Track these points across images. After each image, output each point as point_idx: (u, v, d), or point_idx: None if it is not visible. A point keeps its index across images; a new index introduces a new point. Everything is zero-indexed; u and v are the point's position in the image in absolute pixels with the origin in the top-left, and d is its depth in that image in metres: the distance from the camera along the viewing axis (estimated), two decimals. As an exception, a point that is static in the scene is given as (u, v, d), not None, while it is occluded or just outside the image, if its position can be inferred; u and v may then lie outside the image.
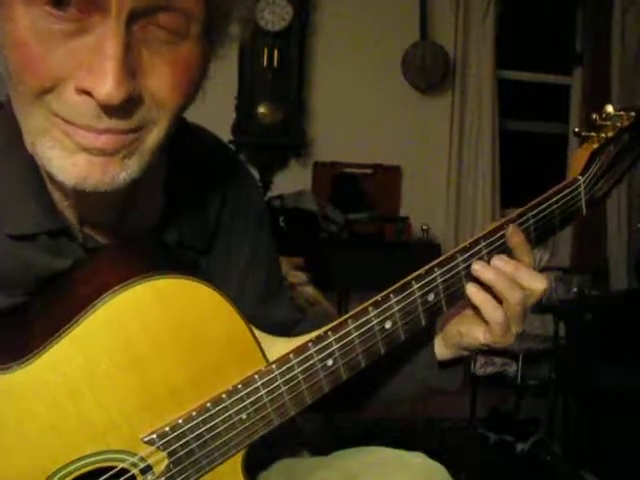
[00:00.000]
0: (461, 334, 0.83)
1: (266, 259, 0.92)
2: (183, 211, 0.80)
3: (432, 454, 0.83)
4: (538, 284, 0.79)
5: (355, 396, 0.92)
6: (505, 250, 0.80)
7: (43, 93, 0.58)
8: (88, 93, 0.57)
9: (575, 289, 3.24)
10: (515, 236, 0.80)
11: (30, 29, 0.56)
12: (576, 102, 4.47)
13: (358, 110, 4.14)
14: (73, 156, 0.60)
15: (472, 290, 0.80)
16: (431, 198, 4.26)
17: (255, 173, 3.97)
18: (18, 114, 0.63)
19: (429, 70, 4.14)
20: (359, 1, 4.14)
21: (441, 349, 0.87)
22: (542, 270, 3.25)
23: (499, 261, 0.79)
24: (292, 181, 4.08)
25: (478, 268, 0.79)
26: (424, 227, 3.99)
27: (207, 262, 0.85)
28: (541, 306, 3.24)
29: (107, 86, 0.55)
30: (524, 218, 0.81)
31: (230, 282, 0.87)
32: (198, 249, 0.83)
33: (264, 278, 0.91)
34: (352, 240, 3.87)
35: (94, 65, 0.56)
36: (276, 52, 3.69)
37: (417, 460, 0.82)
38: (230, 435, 0.73)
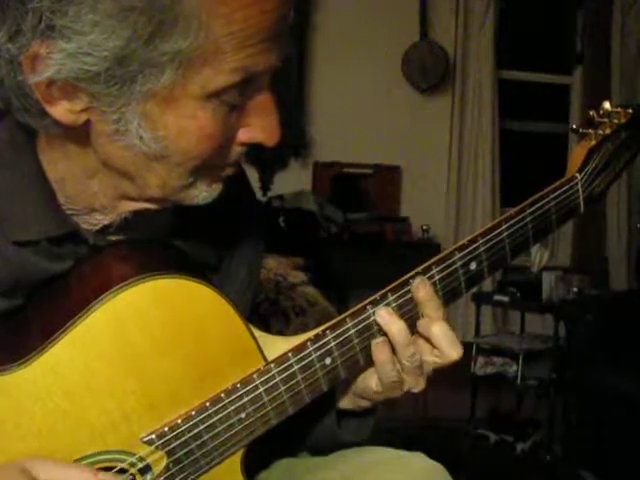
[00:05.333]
0: (356, 379, 0.81)
1: (255, 285, 0.91)
2: (191, 227, 0.79)
3: (432, 454, 0.83)
4: (452, 352, 0.75)
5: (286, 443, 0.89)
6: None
7: (209, 160, 0.66)
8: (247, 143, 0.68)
9: (575, 289, 3.24)
10: (421, 289, 0.75)
11: (213, 123, 0.64)
12: (576, 102, 4.48)
13: (358, 110, 4.14)
14: (215, 185, 0.71)
15: (377, 345, 0.76)
16: (431, 198, 4.26)
17: (255, 173, 3.97)
18: (149, 177, 0.67)
19: (429, 70, 4.14)
20: (359, 1, 4.15)
21: (341, 396, 0.83)
22: (542, 270, 3.25)
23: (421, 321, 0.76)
24: (292, 181, 4.08)
25: (383, 315, 0.75)
26: (424, 227, 3.99)
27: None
28: (541, 306, 3.24)
29: (276, 135, 0.69)
30: (521, 216, 0.80)
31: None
32: (206, 263, 0.82)
33: (250, 304, 0.90)
34: (352, 240, 3.87)
35: (260, 122, 0.68)
36: (276, 52, 3.69)
37: (417, 460, 0.81)
38: (229, 434, 0.73)
